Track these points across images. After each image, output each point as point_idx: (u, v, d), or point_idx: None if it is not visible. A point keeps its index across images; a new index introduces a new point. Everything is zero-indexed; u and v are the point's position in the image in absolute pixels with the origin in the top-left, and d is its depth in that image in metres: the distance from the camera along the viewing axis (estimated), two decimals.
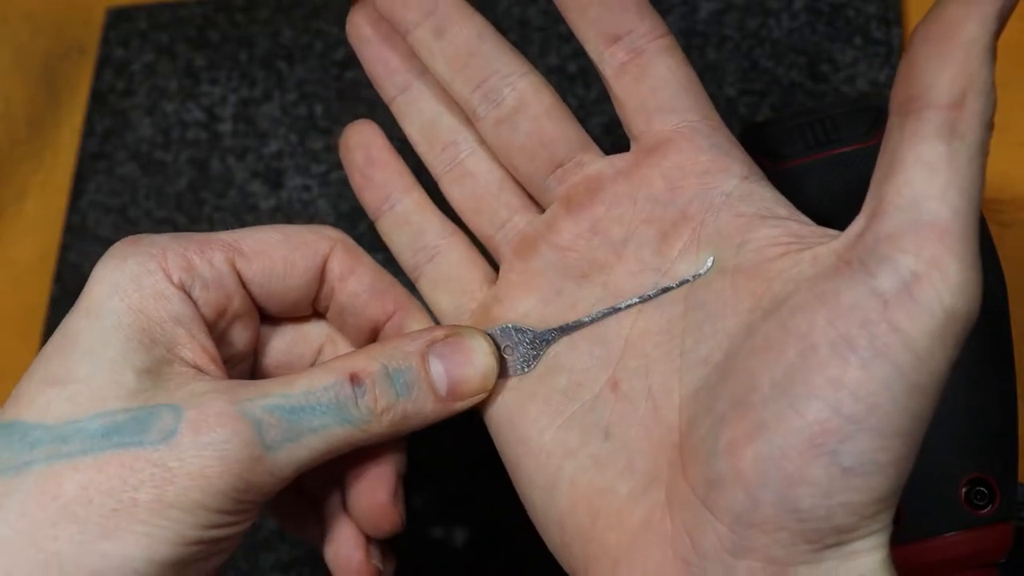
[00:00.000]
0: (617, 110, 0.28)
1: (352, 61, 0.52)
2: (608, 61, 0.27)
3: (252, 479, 0.23)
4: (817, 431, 0.20)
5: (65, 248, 0.52)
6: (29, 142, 0.55)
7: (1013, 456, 0.28)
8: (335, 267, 0.27)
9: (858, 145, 0.31)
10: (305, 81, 0.52)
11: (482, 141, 0.28)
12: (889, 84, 0.45)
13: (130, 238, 0.25)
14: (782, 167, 0.31)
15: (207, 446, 0.22)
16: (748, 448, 0.21)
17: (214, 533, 0.23)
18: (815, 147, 0.31)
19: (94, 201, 0.52)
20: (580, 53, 0.49)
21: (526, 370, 0.25)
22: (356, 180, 0.29)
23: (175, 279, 0.24)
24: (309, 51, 0.52)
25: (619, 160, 0.27)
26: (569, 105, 0.47)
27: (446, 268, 0.28)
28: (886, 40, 0.45)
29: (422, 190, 0.30)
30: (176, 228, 0.50)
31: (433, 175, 0.29)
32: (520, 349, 0.26)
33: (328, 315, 0.28)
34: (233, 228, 0.27)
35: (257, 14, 0.54)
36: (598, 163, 0.27)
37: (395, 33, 0.28)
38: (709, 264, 0.24)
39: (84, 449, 0.22)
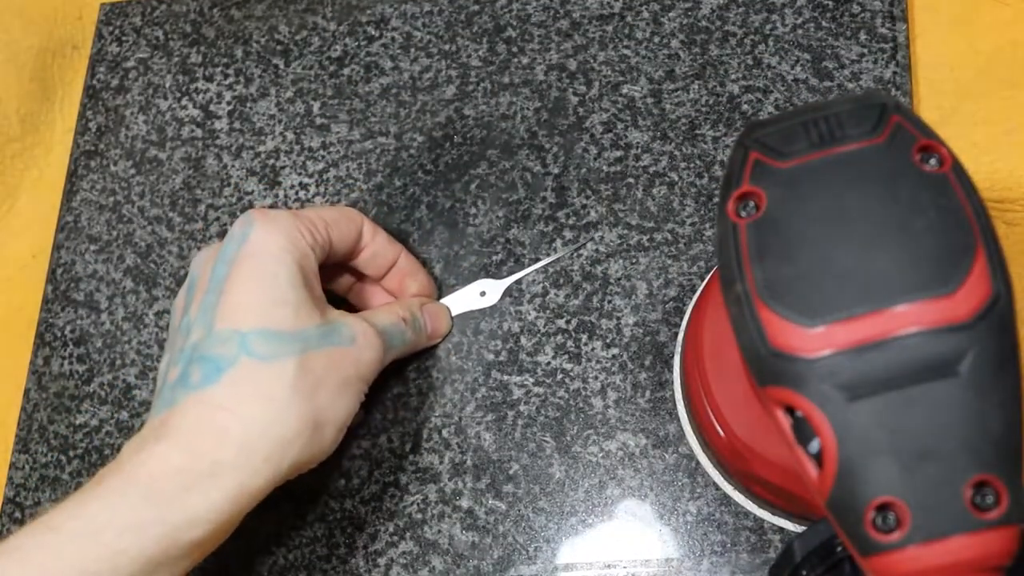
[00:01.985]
0: None
1: (348, 57, 0.51)
2: None
3: (380, 366, 0.39)
4: None
5: (58, 247, 0.51)
6: (22, 139, 0.54)
7: (1020, 457, 0.28)
8: (366, 233, 0.42)
9: (863, 143, 0.30)
10: (301, 78, 0.51)
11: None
12: (894, 80, 0.45)
13: (263, 212, 0.38)
14: (785, 165, 0.30)
15: (372, 348, 0.38)
16: None
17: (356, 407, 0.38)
18: (819, 145, 0.31)
19: (87, 199, 0.51)
20: (580, 49, 0.49)
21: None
22: None
23: (309, 242, 0.38)
24: (305, 47, 0.52)
25: None
26: (569, 101, 0.47)
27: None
28: (892, 36, 0.45)
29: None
30: (171, 227, 0.50)
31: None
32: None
33: (361, 258, 0.43)
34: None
35: (253, 9, 0.53)
36: None
37: None
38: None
39: (316, 346, 0.36)
